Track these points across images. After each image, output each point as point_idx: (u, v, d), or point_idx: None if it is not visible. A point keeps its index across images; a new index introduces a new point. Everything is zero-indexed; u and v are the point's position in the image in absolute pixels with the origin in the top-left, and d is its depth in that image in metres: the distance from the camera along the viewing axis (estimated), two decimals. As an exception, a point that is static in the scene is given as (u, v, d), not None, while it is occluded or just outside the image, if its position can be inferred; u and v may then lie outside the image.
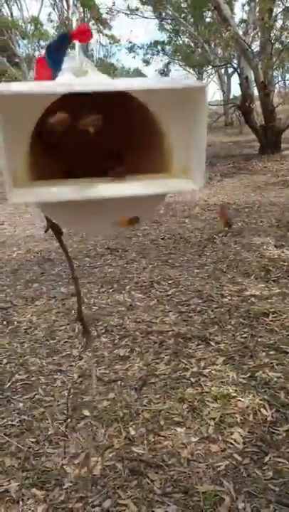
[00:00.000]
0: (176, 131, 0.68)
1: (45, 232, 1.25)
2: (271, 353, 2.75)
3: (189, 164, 0.68)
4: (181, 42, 21.43)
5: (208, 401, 2.40)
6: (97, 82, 0.62)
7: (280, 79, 17.98)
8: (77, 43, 0.74)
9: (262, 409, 2.29)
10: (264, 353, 2.75)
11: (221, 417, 2.28)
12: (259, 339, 2.89)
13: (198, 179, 0.67)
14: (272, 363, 2.65)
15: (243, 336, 2.96)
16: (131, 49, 21.86)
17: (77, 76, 0.72)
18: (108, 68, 24.82)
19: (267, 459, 2.01)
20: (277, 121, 10.60)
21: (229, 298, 3.49)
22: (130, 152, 0.82)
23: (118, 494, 1.91)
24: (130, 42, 24.75)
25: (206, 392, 2.46)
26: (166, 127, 0.68)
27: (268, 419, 2.23)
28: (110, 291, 3.87)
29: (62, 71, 0.73)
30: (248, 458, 2.03)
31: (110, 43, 24.49)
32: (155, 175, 0.71)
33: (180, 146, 0.69)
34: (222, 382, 2.54)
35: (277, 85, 14.95)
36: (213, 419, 2.27)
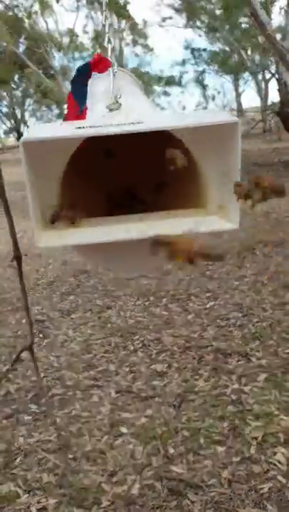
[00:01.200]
0: (210, 165, 0.65)
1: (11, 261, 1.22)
2: (315, 369, 2.65)
3: (224, 202, 0.65)
4: (216, 48, 21.39)
5: (249, 419, 2.32)
6: (127, 119, 0.59)
7: None
8: (111, 68, 0.71)
9: (306, 429, 2.20)
10: (307, 369, 2.65)
11: (263, 436, 2.20)
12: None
13: (234, 218, 0.64)
14: (316, 380, 2.55)
15: (286, 351, 2.87)
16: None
17: (110, 110, 0.70)
18: (142, 77, 25.13)
19: (312, 482, 1.92)
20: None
21: (271, 312, 3.39)
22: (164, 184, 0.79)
23: (157, 516, 1.86)
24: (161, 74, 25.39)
25: (248, 411, 2.39)
26: (200, 160, 0.65)
27: (313, 439, 2.14)
28: (146, 303, 3.84)
29: (94, 99, 0.71)
30: (293, 481, 1.94)
31: (144, 52, 24.82)
32: (189, 211, 0.68)
33: (215, 182, 0.66)
34: (264, 400, 2.46)
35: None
36: (255, 438, 2.19)
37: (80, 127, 0.58)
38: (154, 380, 2.78)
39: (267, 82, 20.50)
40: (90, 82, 0.80)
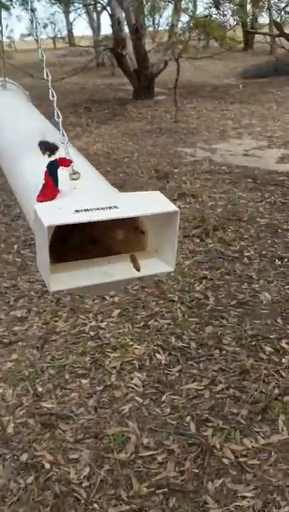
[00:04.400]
0: (151, 224, 0.91)
1: None
2: (160, 302, 3.01)
3: (161, 248, 0.91)
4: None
5: (108, 352, 2.60)
6: (103, 201, 0.83)
7: (152, 23, 17.69)
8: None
9: (156, 354, 2.56)
10: (154, 303, 3.01)
11: (121, 365, 2.50)
12: (150, 290, 3.13)
13: (171, 261, 0.90)
14: (162, 312, 2.92)
15: (135, 288, 3.18)
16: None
17: (73, 179, 0.91)
18: None
19: (164, 397, 2.29)
20: (150, 66, 10.68)
21: (118, 251, 3.67)
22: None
23: (34, 447, 2.06)
24: None
25: (106, 344, 2.66)
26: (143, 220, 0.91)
27: (163, 362, 2.51)
28: (-2, 251, 3.84)
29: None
30: (148, 399, 2.29)
31: None
32: (138, 254, 0.93)
33: (153, 233, 0.91)
34: (119, 333, 2.75)
35: (149, 29, 14.81)
36: (115, 367, 2.49)
37: (77, 210, 0.79)
38: (15, 326, 2.89)
39: (98, 13, 20.08)
40: None
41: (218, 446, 2.01)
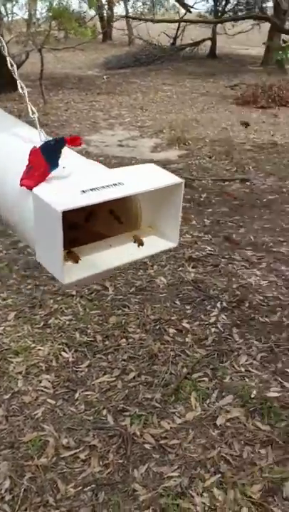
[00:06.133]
0: (148, 198, 0.83)
1: None
2: (58, 299, 2.94)
3: (160, 224, 0.84)
4: None
5: (10, 357, 2.48)
6: (106, 179, 0.74)
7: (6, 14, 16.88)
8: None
9: (62, 353, 2.50)
10: (52, 301, 2.93)
11: (26, 369, 2.40)
12: (45, 288, 3.04)
13: (174, 237, 0.83)
14: (61, 308, 2.85)
15: (28, 287, 3.07)
16: None
17: (63, 177, 0.79)
18: None
19: (77, 395, 2.24)
20: (10, 58, 10.25)
21: (5, 252, 3.51)
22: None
23: None
24: None
25: (6, 350, 2.53)
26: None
27: (70, 359, 2.46)
28: None
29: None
30: (61, 399, 2.23)
31: None
32: (135, 232, 0.86)
33: (150, 212, 0.84)
34: (19, 336, 2.64)
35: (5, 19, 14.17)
36: (20, 372, 2.38)
37: (84, 191, 0.70)
38: None
39: None
40: None
41: (138, 433, 2.03)
